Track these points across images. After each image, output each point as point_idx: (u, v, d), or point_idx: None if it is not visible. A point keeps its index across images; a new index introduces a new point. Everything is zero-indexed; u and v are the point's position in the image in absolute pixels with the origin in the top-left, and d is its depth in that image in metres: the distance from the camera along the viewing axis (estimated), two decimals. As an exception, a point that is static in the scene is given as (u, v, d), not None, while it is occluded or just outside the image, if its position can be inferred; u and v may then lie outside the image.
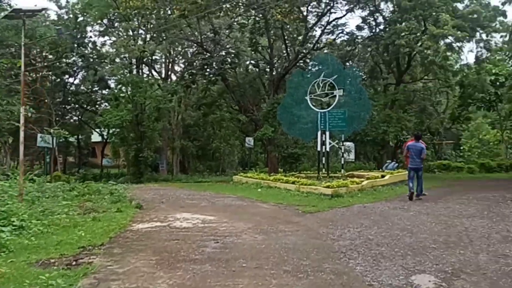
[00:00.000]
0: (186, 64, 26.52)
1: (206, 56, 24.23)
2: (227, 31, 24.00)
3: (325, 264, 6.00)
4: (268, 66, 26.97)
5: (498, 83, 28.07)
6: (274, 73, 26.73)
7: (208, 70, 24.71)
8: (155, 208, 11.51)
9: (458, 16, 21.21)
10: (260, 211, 10.89)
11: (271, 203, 12.33)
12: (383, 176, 16.57)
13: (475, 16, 21.13)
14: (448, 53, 23.76)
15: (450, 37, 21.07)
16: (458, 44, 22.41)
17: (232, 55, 24.67)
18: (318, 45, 25.95)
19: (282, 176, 16.84)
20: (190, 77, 24.95)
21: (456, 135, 35.84)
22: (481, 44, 23.02)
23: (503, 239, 7.51)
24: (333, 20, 25.39)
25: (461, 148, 32.57)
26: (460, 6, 22.80)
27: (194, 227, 8.73)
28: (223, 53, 24.71)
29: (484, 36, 22.80)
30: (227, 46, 25.41)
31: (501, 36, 24.73)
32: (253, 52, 25.75)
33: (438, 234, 7.89)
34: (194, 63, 25.70)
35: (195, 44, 26.64)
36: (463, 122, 31.56)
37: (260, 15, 23.35)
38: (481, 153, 30.77)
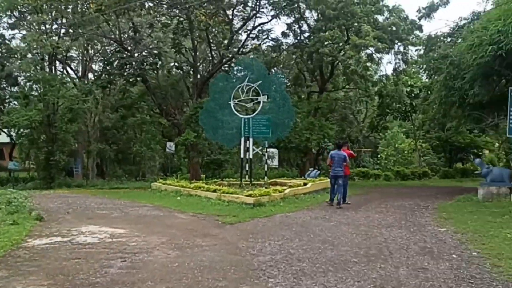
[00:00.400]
0: (105, 63, 24.98)
1: (125, 55, 22.92)
2: (148, 30, 22.88)
3: (243, 285, 5.48)
4: (192, 69, 26.17)
5: (413, 95, 29.57)
6: (198, 76, 26.03)
7: (127, 70, 23.40)
8: (59, 220, 10.34)
9: (379, 27, 21.92)
10: (177, 223, 10.17)
11: (190, 213, 11.65)
12: (305, 184, 16.48)
13: (394, 28, 21.97)
14: (368, 64, 24.51)
15: (371, 48, 21.68)
16: (378, 55, 23.18)
17: (154, 55, 23.56)
18: (244, 49, 25.65)
19: (203, 184, 16.20)
20: (107, 76, 23.46)
21: (373, 143, 37.28)
22: (399, 56, 24.01)
23: (421, 250, 7.46)
24: (259, 25, 25.26)
25: (378, 156, 33.91)
26: (380, 18, 23.62)
27: (100, 242, 7.83)
28: (144, 53, 23.54)
29: (402, 49, 23.80)
30: (150, 47, 24.30)
31: (416, 50, 25.89)
32: (176, 54, 24.84)
33: (358, 247, 7.70)
34: (115, 63, 24.27)
35: (115, 43, 25.20)
36: (381, 131, 32.89)
37: (184, 16, 22.55)
38: (396, 161, 32.19)
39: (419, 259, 6.89)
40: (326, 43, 22.41)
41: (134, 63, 22.87)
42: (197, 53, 26.06)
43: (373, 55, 22.81)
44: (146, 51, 23.66)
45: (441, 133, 31.70)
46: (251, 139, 16.87)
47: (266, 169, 19.49)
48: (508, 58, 12.83)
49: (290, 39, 26.22)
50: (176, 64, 26.83)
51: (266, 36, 25.36)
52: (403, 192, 19.13)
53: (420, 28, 23.29)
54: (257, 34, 25.47)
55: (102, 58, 28.26)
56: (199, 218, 10.91)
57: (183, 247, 7.53)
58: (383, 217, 11.23)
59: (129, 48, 23.95)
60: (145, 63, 23.65)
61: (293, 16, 25.17)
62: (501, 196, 13.36)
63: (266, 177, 18.46)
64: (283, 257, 6.89)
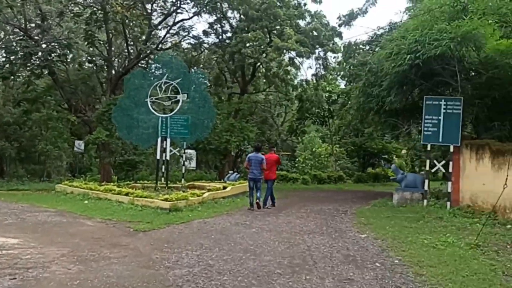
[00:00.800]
0: (7, 52, 22.51)
1: (31, 44, 20.78)
2: (58, 19, 20.96)
3: (155, 306, 4.78)
4: (106, 63, 24.47)
5: (331, 100, 30.27)
6: (112, 72, 24.42)
7: (32, 60, 21.26)
8: None
9: (301, 32, 22.02)
10: (82, 231, 9.09)
11: (98, 219, 10.57)
12: (224, 188, 15.92)
13: (316, 33, 22.19)
14: (289, 68, 24.63)
15: (292, 52, 21.69)
16: (299, 59, 23.30)
17: (63, 46, 21.62)
18: (163, 46, 24.54)
19: (114, 187, 14.99)
20: (9, 67, 21.13)
21: (291, 147, 37.74)
22: (320, 61, 24.34)
23: (345, 259, 7.22)
24: (180, 21, 24.29)
25: (296, 159, 34.35)
26: (302, 23, 23.73)
27: (-15, 256, 6.65)
28: (52, 44, 21.50)
29: (322, 54, 24.12)
30: (59, 37, 22.28)
31: (334, 57, 26.40)
32: (89, 46, 23.10)
33: (282, 256, 7.29)
34: (19, 53, 21.92)
35: (19, 31, 22.80)
36: (299, 135, 33.29)
37: (99, 6, 20.96)
38: (313, 165, 32.72)
39: (344, 268, 6.64)
40: (248, 44, 22.07)
41: (40, 53, 20.85)
42: (112, 47, 24.51)
43: (295, 59, 22.91)
44: (54, 41, 21.67)
45: (355, 138, 32.82)
46: (168, 140, 16.06)
47: (183, 171, 18.77)
48: (423, 68, 13.25)
49: (212, 38, 25.62)
50: (89, 57, 24.93)
51: (187, 33, 24.48)
52: (321, 196, 19.27)
53: (340, 35, 23.78)
54: (178, 31, 24.51)
55: (5, 47, 25.59)
56: (108, 225, 9.91)
57: (87, 260, 6.61)
58: (305, 222, 10.98)
59: (35, 37, 21.81)
60: (53, 54, 21.65)
61: (215, 15, 24.55)
62: (414, 201, 13.77)
63: (183, 180, 17.73)
64: (202, 270, 6.28)
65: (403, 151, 36.38)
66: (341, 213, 13.07)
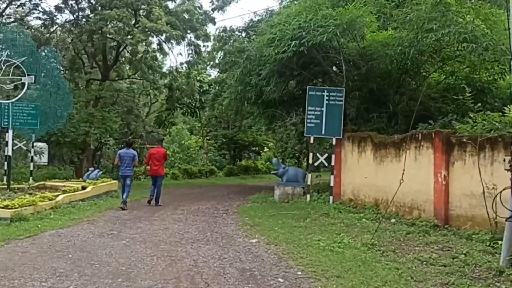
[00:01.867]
0: None
1: None
2: None
3: None
4: None
5: (201, 91, 28.92)
6: None
7: None
8: None
9: (172, 13, 20.12)
10: None
11: None
12: (84, 188, 13.52)
13: (188, 16, 20.46)
14: (158, 54, 22.68)
15: (161, 37, 19.79)
16: (168, 45, 21.47)
17: None
18: (4, 20, 20.62)
19: None
20: None
21: (157, 139, 35.53)
22: (192, 47, 22.66)
23: (241, 275, 6.03)
24: (25, -10, 20.59)
25: (166, 153, 32.50)
26: (171, 5, 21.74)
27: None
28: None
29: (194, 39, 22.50)
30: None
31: (204, 46, 25.03)
32: None
33: (164, 278, 5.80)
34: None
35: None
36: (168, 126, 31.39)
37: None
38: (182, 159, 31.15)
39: (244, 290, 5.42)
40: (110, 25, 19.49)
41: None
42: None
43: (164, 43, 21.01)
44: None
45: (226, 131, 32.06)
46: (10, 131, 13.23)
47: (32, 168, 15.93)
48: (305, 57, 12.73)
49: (67, 15, 22.25)
50: None
51: (34, 6, 20.84)
52: (195, 193, 17.82)
53: (213, 20, 22.33)
54: (23, 2, 20.76)
55: None
56: None
57: None
58: (184, 227, 9.51)
59: None
60: None
61: (70, -12, 21.31)
62: (296, 196, 13.18)
63: (31, 179, 14.93)
64: (54, 312, 4.50)
65: (270, 144, 36.75)
66: (222, 213, 11.87)
